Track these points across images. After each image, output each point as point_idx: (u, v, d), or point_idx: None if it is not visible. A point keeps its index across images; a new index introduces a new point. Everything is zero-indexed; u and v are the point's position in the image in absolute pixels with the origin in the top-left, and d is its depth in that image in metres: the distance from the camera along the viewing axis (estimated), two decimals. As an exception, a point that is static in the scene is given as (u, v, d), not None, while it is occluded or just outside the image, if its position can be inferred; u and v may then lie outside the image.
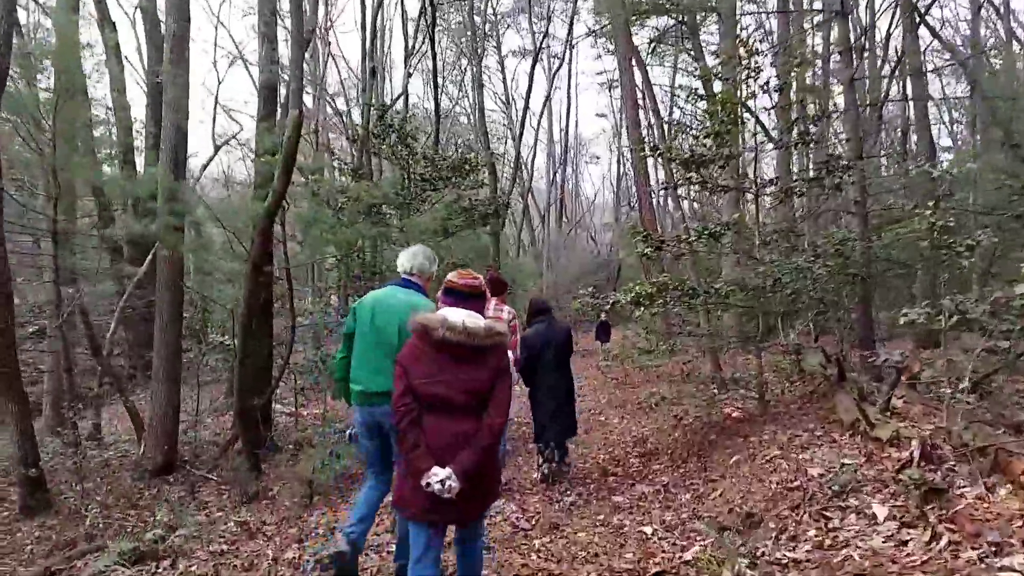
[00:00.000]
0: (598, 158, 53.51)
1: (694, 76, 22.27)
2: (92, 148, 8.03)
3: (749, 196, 6.94)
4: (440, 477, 2.55)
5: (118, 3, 36.98)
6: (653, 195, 19.01)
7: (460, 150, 10.17)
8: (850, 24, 7.82)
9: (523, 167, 32.68)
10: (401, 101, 20.07)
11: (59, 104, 6.90)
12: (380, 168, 9.27)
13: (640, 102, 19.20)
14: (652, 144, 7.38)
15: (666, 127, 19.28)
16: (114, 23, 14.14)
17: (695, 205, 14.79)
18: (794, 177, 8.26)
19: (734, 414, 6.96)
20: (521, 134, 28.70)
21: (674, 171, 7.55)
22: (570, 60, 35.42)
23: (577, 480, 6.04)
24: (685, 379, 10.30)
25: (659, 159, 7.46)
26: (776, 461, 4.91)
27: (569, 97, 40.87)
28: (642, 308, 6.32)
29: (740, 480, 4.86)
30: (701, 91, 9.85)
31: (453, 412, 2.65)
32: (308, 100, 25.96)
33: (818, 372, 7.20)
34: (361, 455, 3.84)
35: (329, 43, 25.42)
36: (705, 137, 6.27)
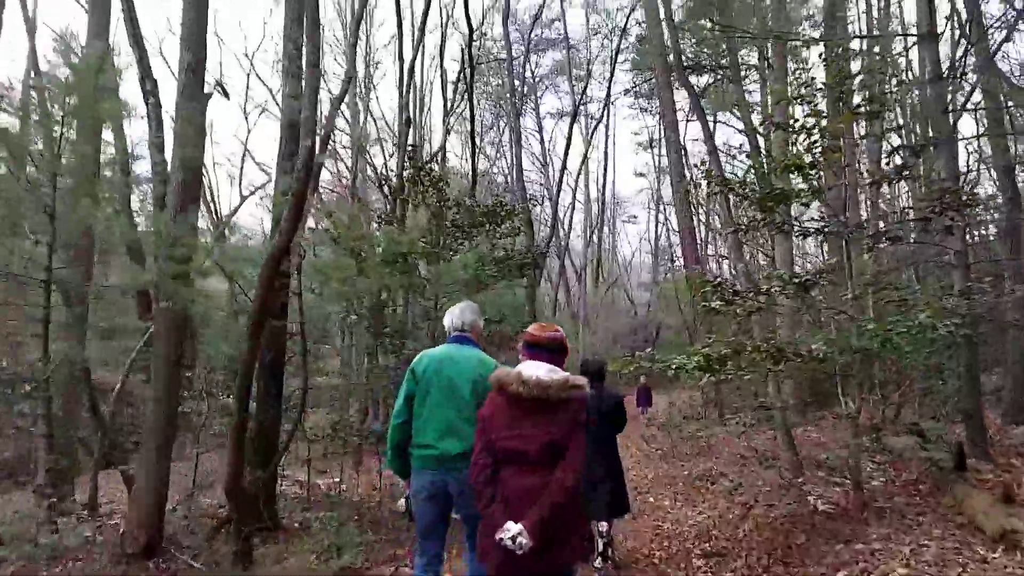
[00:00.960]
0: (635, 217, 52.95)
1: (736, 129, 21.48)
2: (104, 192, 7.37)
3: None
4: (512, 533, 2.55)
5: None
6: (698, 250, 18.04)
7: (496, 197, 9.35)
8: (938, 48, 6.88)
9: (560, 226, 32.10)
10: (439, 159, 19.88)
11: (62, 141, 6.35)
12: (414, 218, 8.56)
13: (684, 157, 18.56)
14: (719, 176, 6.35)
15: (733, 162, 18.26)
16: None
17: (742, 262, 13.66)
18: (892, 219, 7.19)
19: (821, 506, 5.70)
20: (559, 192, 28.19)
21: (741, 212, 6.43)
22: (607, 120, 35.22)
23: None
24: (757, 461, 8.96)
25: (719, 199, 6.41)
26: (904, 583, 3.71)
27: (606, 156, 40.27)
28: (710, 375, 5.28)
29: (857, 608, 3.66)
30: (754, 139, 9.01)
31: (528, 466, 2.67)
32: (346, 157, 26.16)
33: (921, 456, 5.94)
34: (418, 526, 3.57)
35: (368, 101, 25.63)
36: (786, 170, 5.31)
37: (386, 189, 10.21)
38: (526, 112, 33.18)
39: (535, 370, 2.77)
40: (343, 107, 24.14)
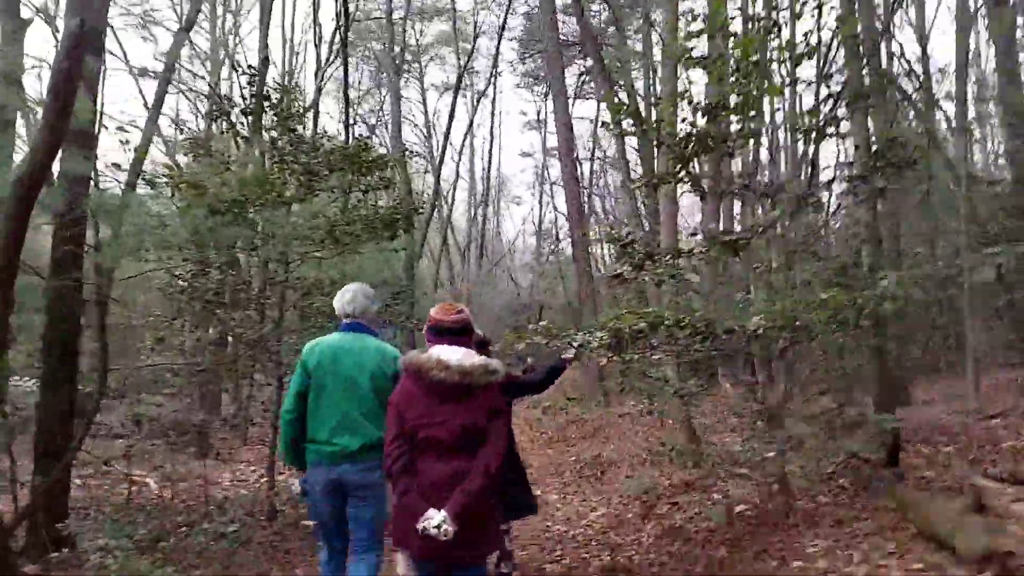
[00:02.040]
0: (519, 198, 52.63)
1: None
2: None
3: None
4: (436, 521, 2.51)
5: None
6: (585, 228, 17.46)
7: (359, 138, 7.74)
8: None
9: (443, 200, 30.71)
10: (311, 117, 17.73)
11: None
12: (249, 155, 6.82)
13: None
14: (632, 108, 5.26)
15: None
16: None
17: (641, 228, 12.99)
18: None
19: (739, 509, 4.87)
20: (441, 163, 26.82)
21: (659, 164, 5.35)
22: (494, 96, 33.94)
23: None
24: (651, 450, 8.19)
25: (642, 139, 5.30)
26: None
27: (492, 133, 39.10)
28: (617, 355, 4.27)
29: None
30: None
31: (446, 453, 2.63)
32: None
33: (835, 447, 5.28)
34: (313, 523, 3.64)
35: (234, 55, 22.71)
36: (713, 109, 4.35)
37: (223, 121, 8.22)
38: (409, 82, 31.36)
39: (452, 354, 2.69)
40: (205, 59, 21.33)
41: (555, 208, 35.70)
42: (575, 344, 4.17)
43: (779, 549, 3.92)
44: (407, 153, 13.95)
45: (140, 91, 23.75)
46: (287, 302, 6.90)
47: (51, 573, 4.43)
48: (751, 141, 4.90)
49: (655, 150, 5.07)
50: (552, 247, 36.05)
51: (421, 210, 10.42)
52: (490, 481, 2.62)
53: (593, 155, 29.77)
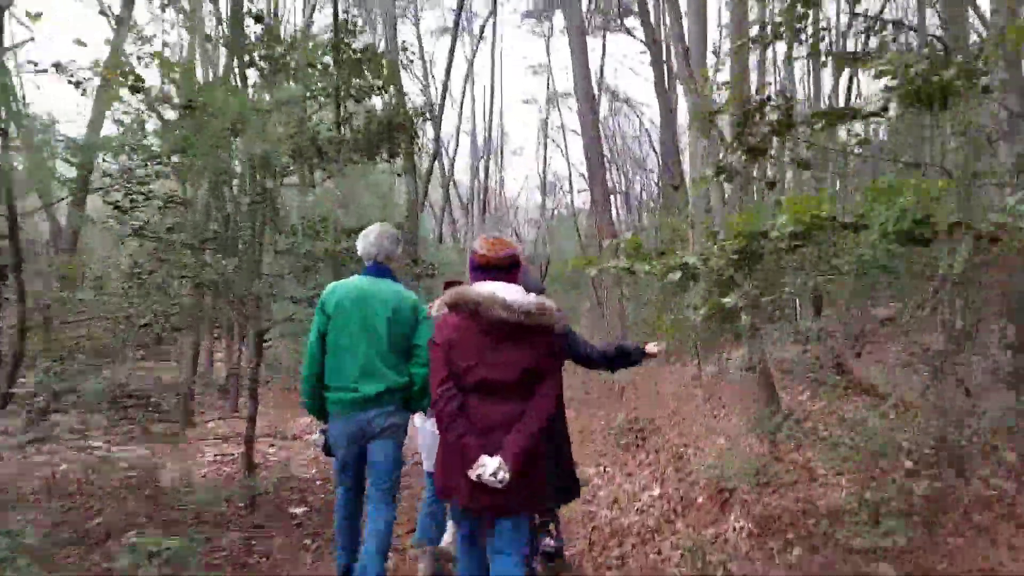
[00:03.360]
0: (521, 149, 50.85)
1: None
2: None
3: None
4: (492, 468, 2.40)
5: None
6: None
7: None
8: None
9: (443, 151, 29.12)
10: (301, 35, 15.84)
11: None
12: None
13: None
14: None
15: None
16: None
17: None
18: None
19: (880, 494, 3.56)
20: (441, 111, 25.04)
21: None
22: (493, 40, 31.86)
23: None
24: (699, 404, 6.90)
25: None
26: None
27: (493, 80, 37.15)
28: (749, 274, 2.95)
29: None
30: None
31: (501, 395, 2.51)
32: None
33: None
34: (335, 464, 3.42)
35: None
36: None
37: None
38: (405, 22, 29.30)
39: (506, 292, 2.51)
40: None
41: (567, 157, 34.04)
42: (690, 262, 2.83)
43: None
44: (406, 53, 11.95)
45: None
46: (268, 243, 5.56)
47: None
48: None
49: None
50: (560, 198, 34.55)
51: (427, 115, 8.94)
52: (548, 424, 2.54)
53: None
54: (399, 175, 6.51)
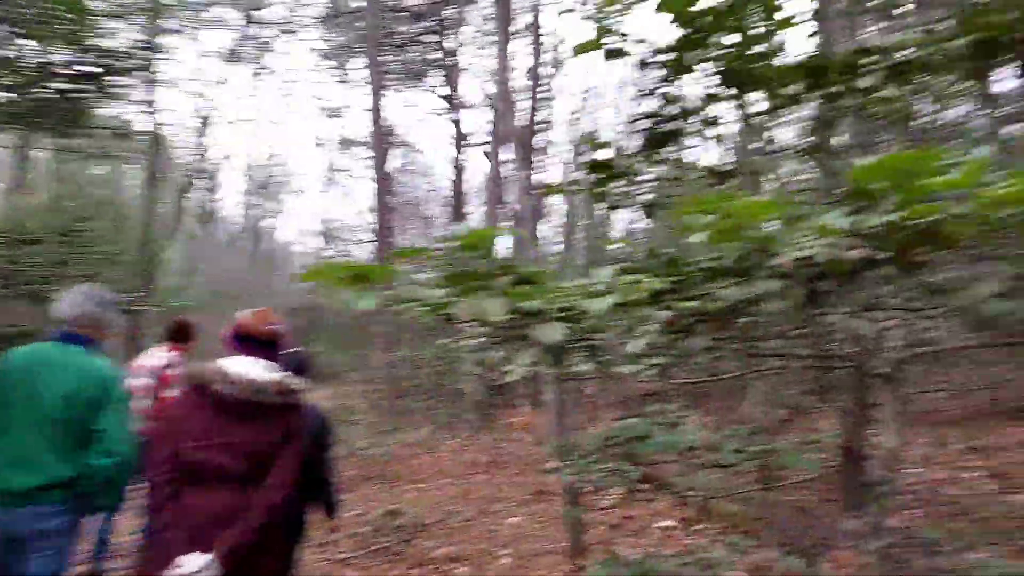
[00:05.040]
0: (305, 191, 47.82)
1: None
2: None
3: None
4: (193, 568, 2.05)
5: None
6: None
7: None
8: None
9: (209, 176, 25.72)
10: None
11: None
12: None
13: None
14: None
15: None
16: None
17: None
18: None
19: None
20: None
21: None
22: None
23: None
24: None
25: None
26: None
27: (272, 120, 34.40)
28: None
29: None
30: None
31: (222, 484, 2.21)
32: None
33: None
34: None
35: None
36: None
37: None
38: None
39: (247, 367, 2.31)
40: None
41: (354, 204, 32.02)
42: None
43: None
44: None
45: None
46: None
47: None
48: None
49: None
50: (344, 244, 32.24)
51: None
52: (271, 516, 2.25)
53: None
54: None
